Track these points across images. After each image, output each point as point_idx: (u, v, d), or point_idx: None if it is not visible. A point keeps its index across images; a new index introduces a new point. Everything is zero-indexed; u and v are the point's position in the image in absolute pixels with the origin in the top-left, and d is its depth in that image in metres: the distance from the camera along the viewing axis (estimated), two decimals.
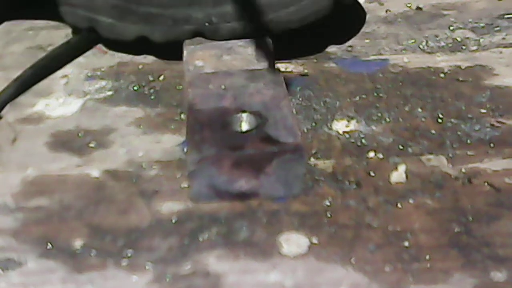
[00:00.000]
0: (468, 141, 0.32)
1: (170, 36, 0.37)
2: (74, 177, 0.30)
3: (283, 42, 0.38)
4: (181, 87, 0.36)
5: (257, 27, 0.37)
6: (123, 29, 0.38)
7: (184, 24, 0.37)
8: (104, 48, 0.41)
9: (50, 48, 0.40)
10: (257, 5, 0.36)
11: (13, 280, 0.25)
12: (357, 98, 0.35)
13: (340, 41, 0.41)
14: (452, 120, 0.33)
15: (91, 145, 0.32)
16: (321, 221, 0.27)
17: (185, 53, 0.36)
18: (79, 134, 0.33)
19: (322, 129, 0.33)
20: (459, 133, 0.32)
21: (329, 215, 0.28)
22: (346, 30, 0.42)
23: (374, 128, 0.33)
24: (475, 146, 0.31)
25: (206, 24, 0.37)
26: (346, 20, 0.43)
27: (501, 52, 0.39)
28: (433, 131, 0.32)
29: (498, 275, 0.25)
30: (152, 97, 0.36)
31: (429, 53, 0.39)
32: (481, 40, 0.41)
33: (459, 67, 0.38)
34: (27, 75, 0.37)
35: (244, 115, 0.30)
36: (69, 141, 0.33)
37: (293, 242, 0.27)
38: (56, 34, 0.43)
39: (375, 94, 0.35)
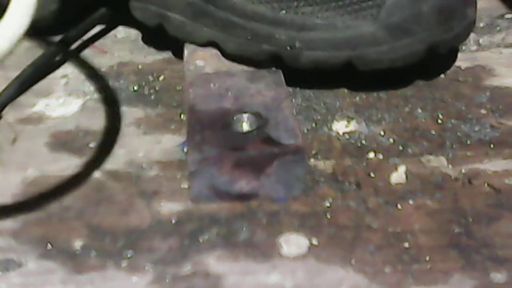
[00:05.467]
0: (468, 142, 0.32)
1: (244, 52, 0.34)
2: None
3: None
4: (181, 87, 0.36)
5: (342, 62, 0.34)
6: (194, 30, 0.36)
7: (264, 42, 0.34)
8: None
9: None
10: (347, 38, 0.33)
11: (13, 281, 0.25)
12: (357, 98, 0.35)
13: None
14: (452, 120, 0.33)
15: (91, 145, 0.32)
16: (321, 222, 0.27)
17: (185, 53, 0.36)
18: (79, 135, 0.33)
19: (322, 129, 0.33)
20: (459, 133, 0.32)
21: (329, 216, 0.28)
22: None
23: (374, 128, 0.33)
24: (475, 147, 0.31)
25: (288, 48, 0.34)
26: None
27: (501, 53, 0.39)
28: (433, 132, 0.32)
29: (498, 276, 0.25)
30: (152, 97, 0.36)
31: None
32: (481, 40, 0.40)
33: (459, 67, 0.38)
34: (27, 73, 0.37)
35: (245, 115, 0.30)
36: (69, 142, 0.33)
37: (293, 243, 0.27)
38: None
39: (375, 95, 0.35)
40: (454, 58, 0.38)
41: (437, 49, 0.34)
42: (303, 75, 0.35)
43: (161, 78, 0.37)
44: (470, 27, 0.35)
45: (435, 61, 0.37)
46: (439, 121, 0.33)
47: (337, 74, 0.35)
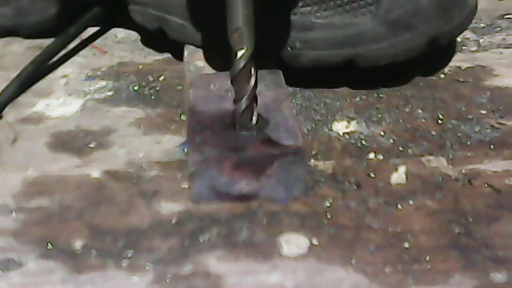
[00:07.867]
0: (468, 142, 0.32)
1: None
2: (74, 178, 0.30)
3: None
4: (181, 87, 0.36)
5: (343, 60, 0.34)
6: (194, 32, 0.36)
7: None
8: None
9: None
10: (347, 36, 0.33)
11: (13, 281, 0.25)
12: (357, 99, 0.35)
13: None
14: (452, 121, 0.33)
15: (91, 145, 0.32)
16: (321, 222, 0.27)
17: (185, 53, 0.36)
18: (79, 135, 0.33)
19: (322, 130, 0.33)
20: (459, 134, 0.32)
21: (329, 216, 0.28)
22: None
23: (374, 129, 0.33)
24: (475, 147, 0.31)
25: (288, 48, 0.34)
26: None
27: (501, 53, 0.39)
28: (433, 132, 0.32)
29: (498, 276, 0.25)
30: (152, 97, 0.36)
31: None
32: (481, 40, 0.41)
33: (459, 67, 0.38)
34: (28, 71, 0.37)
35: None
36: (69, 142, 0.33)
37: (293, 243, 0.27)
38: None
39: (375, 95, 0.35)
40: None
41: (438, 41, 0.34)
42: (304, 75, 0.35)
43: (161, 78, 0.37)
44: (471, 14, 0.35)
45: (436, 59, 0.37)
46: (439, 121, 0.33)
47: (338, 73, 0.35)
